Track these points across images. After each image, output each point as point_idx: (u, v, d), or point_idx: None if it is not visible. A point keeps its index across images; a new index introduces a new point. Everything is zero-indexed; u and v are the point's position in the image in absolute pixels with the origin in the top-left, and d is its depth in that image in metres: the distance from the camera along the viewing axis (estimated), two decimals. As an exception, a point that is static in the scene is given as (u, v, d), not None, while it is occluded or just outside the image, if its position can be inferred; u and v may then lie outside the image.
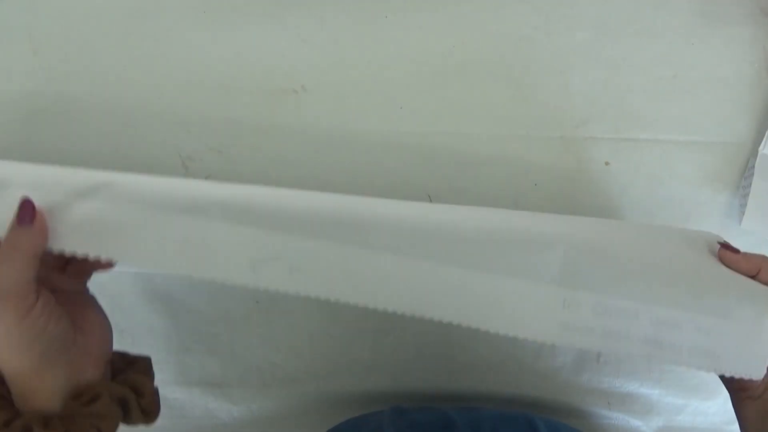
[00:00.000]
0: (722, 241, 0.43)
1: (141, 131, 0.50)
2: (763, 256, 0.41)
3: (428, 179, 0.52)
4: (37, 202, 0.31)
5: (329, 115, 0.51)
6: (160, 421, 0.55)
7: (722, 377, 0.38)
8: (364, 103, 0.51)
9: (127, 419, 0.34)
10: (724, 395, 0.43)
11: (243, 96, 0.51)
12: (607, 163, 0.54)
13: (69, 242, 0.31)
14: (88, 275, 0.38)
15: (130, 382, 0.35)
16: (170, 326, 0.53)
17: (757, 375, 0.35)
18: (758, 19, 0.53)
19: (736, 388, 0.39)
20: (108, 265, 0.35)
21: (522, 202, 0.54)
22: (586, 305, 0.33)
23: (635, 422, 0.56)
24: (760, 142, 0.53)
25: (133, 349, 0.54)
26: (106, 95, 0.50)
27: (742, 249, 0.53)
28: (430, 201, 0.51)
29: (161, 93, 0.50)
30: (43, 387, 0.31)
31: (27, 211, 0.30)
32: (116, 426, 0.33)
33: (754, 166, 0.53)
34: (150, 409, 0.35)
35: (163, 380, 0.54)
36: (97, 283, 0.46)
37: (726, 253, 0.41)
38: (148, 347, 0.54)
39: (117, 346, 0.54)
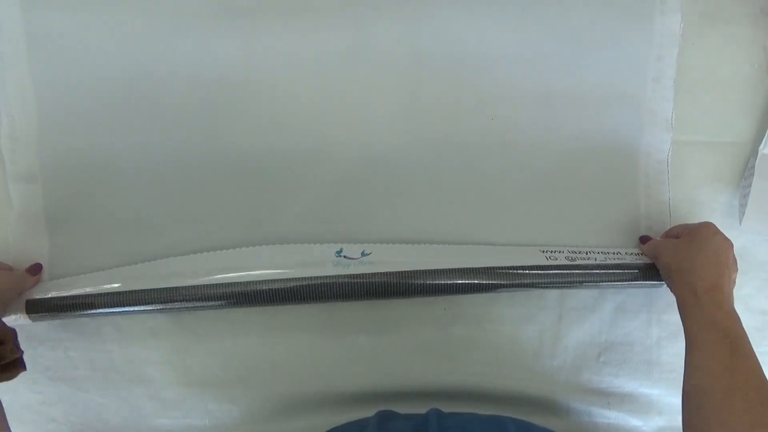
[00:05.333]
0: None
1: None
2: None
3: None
4: None
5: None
6: (160, 420, 0.55)
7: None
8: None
9: None
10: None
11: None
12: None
13: None
14: None
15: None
16: (171, 326, 0.54)
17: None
18: (758, 19, 0.53)
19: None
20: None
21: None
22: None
23: (635, 422, 0.56)
24: (760, 142, 0.53)
25: (134, 348, 0.54)
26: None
27: (742, 249, 0.54)
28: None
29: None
30: None
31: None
32: None
33: (754, 166, 0.53)
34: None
35: (163, 380, 0.55)
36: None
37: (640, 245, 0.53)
38: (150, 347, 0.54)
39: (117, 344, 0.54)
